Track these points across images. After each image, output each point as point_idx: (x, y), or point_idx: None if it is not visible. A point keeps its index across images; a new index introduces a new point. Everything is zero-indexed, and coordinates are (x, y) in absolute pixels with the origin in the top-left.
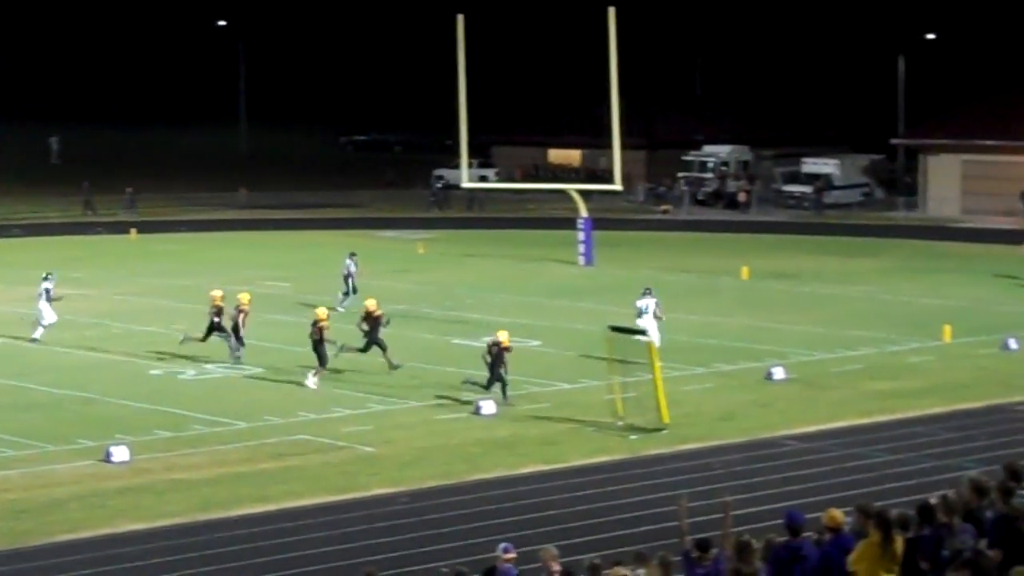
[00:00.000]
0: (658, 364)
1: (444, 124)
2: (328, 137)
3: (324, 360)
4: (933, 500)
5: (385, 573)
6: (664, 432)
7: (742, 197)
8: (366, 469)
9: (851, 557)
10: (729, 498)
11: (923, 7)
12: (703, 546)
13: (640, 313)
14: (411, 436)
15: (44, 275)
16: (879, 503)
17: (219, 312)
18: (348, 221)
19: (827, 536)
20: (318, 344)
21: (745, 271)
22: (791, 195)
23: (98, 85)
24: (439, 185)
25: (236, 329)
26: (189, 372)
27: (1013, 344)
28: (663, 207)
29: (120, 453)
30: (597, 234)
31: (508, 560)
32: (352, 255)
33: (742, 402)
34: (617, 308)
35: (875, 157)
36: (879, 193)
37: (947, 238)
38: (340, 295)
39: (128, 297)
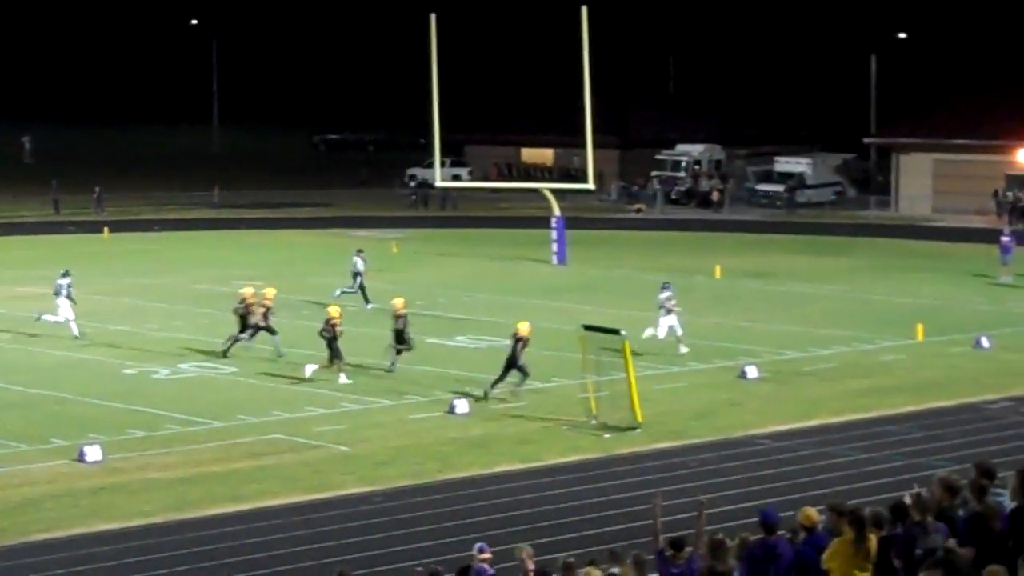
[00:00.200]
0: (632, 363)
1: (417, 123)
2: (301, 136)
3: (339, 355)
4: (907, 498)
5: (359, 572)
6: (638, 431)
7: (715, 196)
8: (340, 468)
9: (825, 555)
10: (703, 497)
11: (895, 7)
12: (677, 545)
13: (661, 306)
14: (385, 435)
15: (62, 272)
16: (852, 501)
17: (249, 310)
18: (321, 220)
19: (801, 535)
20: (332, 341)
21: (718, 270)
22: (764, 194)
23: (71, 84)
24: (418, 184)
25: (257, 325)
26: (162, 371)
27: (985, 343)
28: (636, 206)
29: (94, 453)
30: (570, 233)
31: (483, 559)
32: (359, 252)
33: (715, 401)
34: (590, 307)
35: (847, 156)
36: (851, 192)
37: (919, 237)
38: (348, 290)
39: (102, 296)
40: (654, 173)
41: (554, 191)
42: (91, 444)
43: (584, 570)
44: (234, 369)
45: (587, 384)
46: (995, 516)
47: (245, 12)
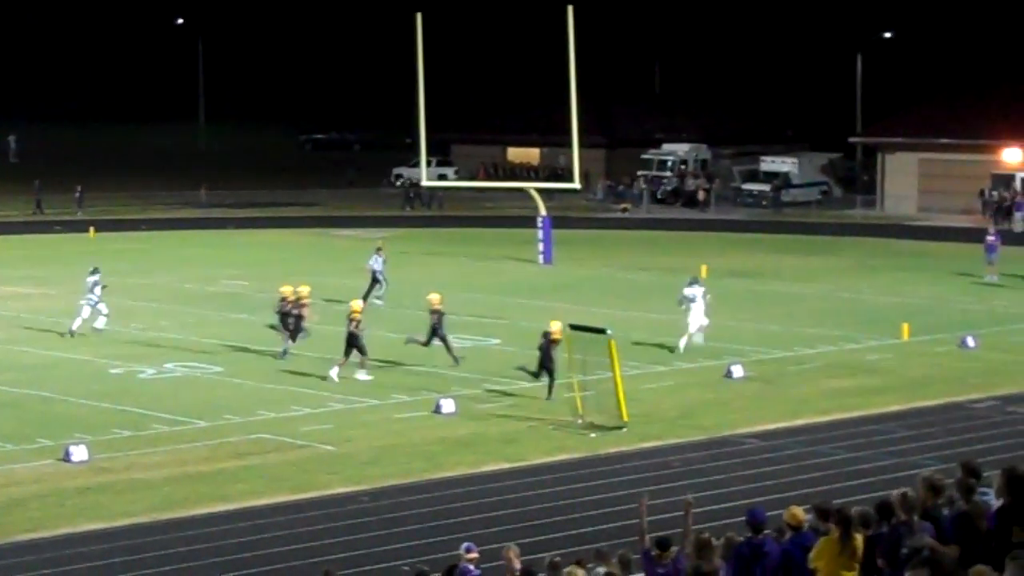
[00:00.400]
0: (618, 362)
1: (404, 123)
2: (288, 136)
3: (364, 351)
4: (894, 497)
5: (345, 572)
6: (624, 430)
7: (701, 195)
8: (326, 468)
9: (811, 554)
10: (690, 496)
11: (881, 6)
12: (663, 544)
13: (681, 301)
14: (371, 435)
15: (91, 270)
16: (837, 501)
17: (289, 307)
18: (307, 220)
19: (787, 534)
20: (353, 336)
21: (704, 269)
22: (750, 193)
23: (57, 83)
24: (408, 183)
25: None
26: (148, 371)
27: (971, 342)
28: (622, 205)
29: (79, 452)
30: (556, 232)
31: (470, 559)
32: (379, 250)
33: (701, 400)
34: (576, 306)
35: (833, 156)
36: (837, 191)
37: (905, 236)
38: (380, 291)
39: None
40: (640, 172)
41: (540, 190)
42: (77, 444)
43: (567, 569)
44: (220, 369)
45: (573, 383)
46: (982, 515)
47: (231, 11)
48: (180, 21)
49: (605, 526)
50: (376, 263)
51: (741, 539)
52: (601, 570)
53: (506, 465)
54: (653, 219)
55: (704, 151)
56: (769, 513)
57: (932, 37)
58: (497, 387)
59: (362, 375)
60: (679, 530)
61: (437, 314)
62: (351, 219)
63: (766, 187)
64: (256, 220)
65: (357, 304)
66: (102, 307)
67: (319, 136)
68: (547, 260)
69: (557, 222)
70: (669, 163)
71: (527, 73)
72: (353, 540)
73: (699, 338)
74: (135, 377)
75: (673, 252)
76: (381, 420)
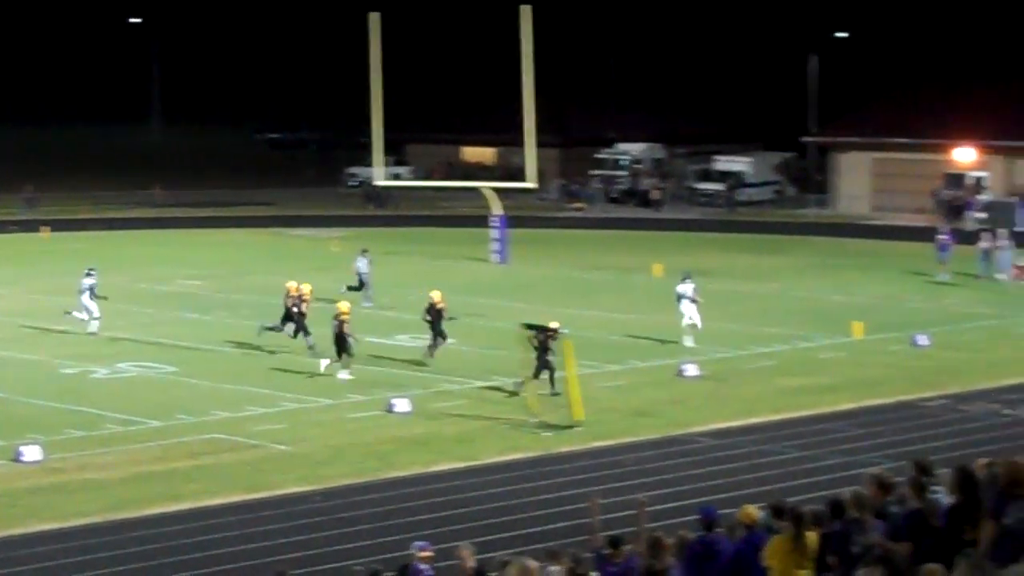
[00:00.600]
0: (572, 361)
1: (359, 122)
2: (243, 135)
3: (349, 350)
4: (846, 495)
5: (298, 572)
6: (577, 429)
7: (655, 195)
8: (279, 467)
9: (765, 552)
10: (643, 496)
11: (835, 6)
12: (615, 543)
13: (679, 298)
14: (325, 434)
15: (87, 271)
16: (791, 499)
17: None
18: (262, 219)
19: (740, 532)
20: (339, 336)
21: (658, 268)
22: (704, 193)
23: (10, 83)
24: (369, 183)
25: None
26: (102, 371)
27: (922, 340)
28: (577, 205)
29: (32, 452)
30: (511, 232)
31: (423, 558)
32: (364, 251)
33: (655, 399)
34: (531, 305)
35: (787, 155)
36: (791, 191)
37: (857, 235)
38: (359, 291)
39: (40, 296)
40: (594, 172)
41: (495, 190)
42: (29, 444)
43: (519, 562)
44: (173, 368)
45: (527, 382)
46: (935, 513)
47: (186, 10)
48: (134, 20)
49: (558, 525)
50: (362, 265)
51: (694, 537)
52: (554, 569)
53: (460, 464)
54: (608, 218)
55: (658, 150)
56: (721, 511)
57: (886, 37)
58: (452, 386)
59: (343, 374)
60: (632, 529)
61: (437, 311)
62: (306, 218)
63: (720, 187)
64: (211, 220)
65: (344, 305)
66: (89, 308)
67: (274, 135)
68: (502, 259)
69: (512, 221)
70: (623, 163)
71: (482, 72)
72: (306, 540)
73: (689, 341)
74: (88, 377)
75: (627, 251)
76: (335, 420)
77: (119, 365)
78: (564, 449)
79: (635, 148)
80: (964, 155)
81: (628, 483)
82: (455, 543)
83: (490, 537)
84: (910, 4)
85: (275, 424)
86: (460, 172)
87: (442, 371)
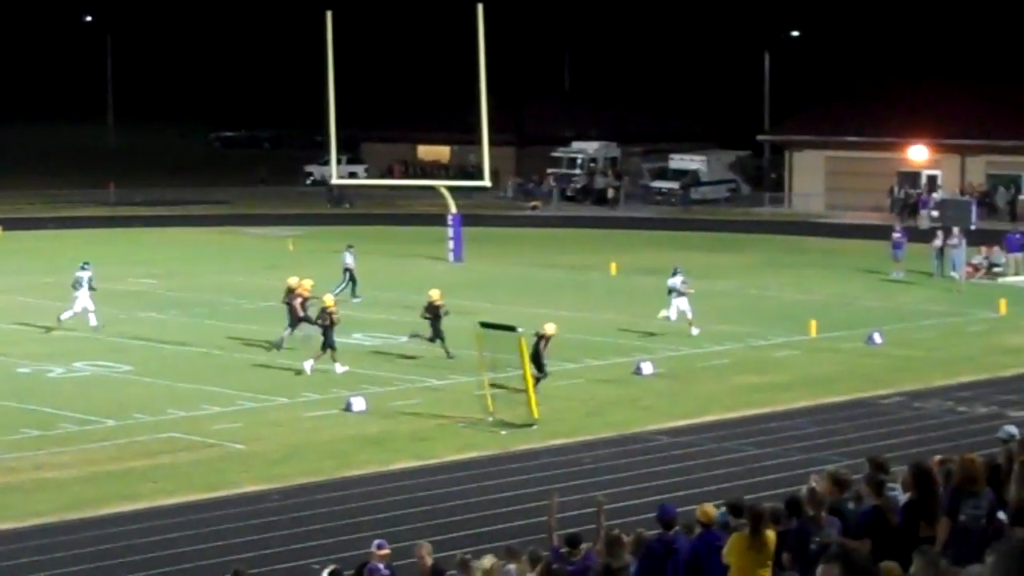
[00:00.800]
0: (527, 359)
1: (314, 120)
2: (197, 134)
3: (333, 346)
4: (802, 493)
5: (256, 571)
6: (534, 428)
7: (610, 193)
8: (236, 466)
9: (724, 550)
10: (601, 495)
11: (788, 5)
12: (573, 542)
13: (670, 291)
14: (281, 433)
15: (81, 264)
16: (747, 496)
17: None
18: (217, 218)
19: (698, 530)
20: (327, 330)
21: (613, 267)
22: (659, 191)
23: None
24: (313, 181)
25: (302, 316)
26: (57, 370)
27: (877, 338)
28: (532, 203)
29: None
30: (466, 230)
31: (381, 556)
32: (350, 247)
33: (611, 397)
34: (487, 304)
35: (741, 153)
36: (745, 189)
37: (812, 233)
38: (341, 287)
39: None
40: (550, 170)
41: (450, 188)
42: None
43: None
44: (129, 367)
45: (483, 381)
46: (893, 509)
47: (140, 8)
48: (88, 18)
49: (516, 523)
50: (348, 260)
51: (652, 535)
52: (512, 567)
53: (417, 463)
54: (563, 217)
55: (613, 149)
56: (679, 509)
57: (839, 36)
58: (409, 385)
59: (339, 367)
60: (591, 526)
61: (436, 309)
62: (261, 217)
63: (675, 185)
64: (165, 218)
65: (330, 299)
66: (82, 300)
67: (229, 134)
68: (457, 258)
69: (467, 220)
70: (579, 161)
71: (437, 70)
72: (263, 539)
73: (694, 330)
74: (44, 376)
75: (582, 250)
76: (292, 419)
77: (75, 364)
78: (521, 447)
79: (590, 147)
80: (918, 153)
81: (585, 481)
82: (413, 541)
83: (448, 536)
84: (863, 2)
85: (232, 423)
86: (416, 170)
87: (396, 370)
